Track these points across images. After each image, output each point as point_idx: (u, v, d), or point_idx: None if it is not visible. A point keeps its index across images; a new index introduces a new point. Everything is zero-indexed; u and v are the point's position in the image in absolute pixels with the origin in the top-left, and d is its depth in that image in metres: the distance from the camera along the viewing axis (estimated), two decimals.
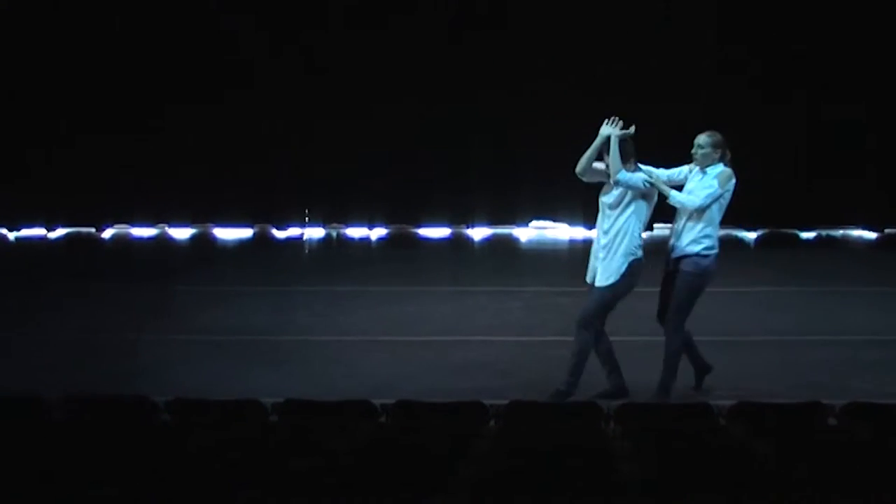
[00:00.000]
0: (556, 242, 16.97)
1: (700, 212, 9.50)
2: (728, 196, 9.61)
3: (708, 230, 9.56)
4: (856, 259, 16.14)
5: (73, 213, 17.48)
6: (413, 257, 16.29)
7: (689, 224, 9.54)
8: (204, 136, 17.05)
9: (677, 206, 9.56)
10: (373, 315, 12.64)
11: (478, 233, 17.47)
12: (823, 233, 17.20)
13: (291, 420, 7.96)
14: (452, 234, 17.48)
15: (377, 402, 8.21)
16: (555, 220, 17.24)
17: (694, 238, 9.53)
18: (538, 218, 17.44)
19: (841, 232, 17.25)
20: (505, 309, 12.86)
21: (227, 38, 16.96)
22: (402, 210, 17.49)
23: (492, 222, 17.49)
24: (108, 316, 12.50)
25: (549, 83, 16.72)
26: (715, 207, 9.55)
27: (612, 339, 9.79)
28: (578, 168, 9.62)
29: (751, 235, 17.14)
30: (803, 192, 16.76)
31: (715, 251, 9.59)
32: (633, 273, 9.53)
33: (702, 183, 9.55)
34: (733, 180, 9.59)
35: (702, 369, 9.89)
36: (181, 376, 10.30)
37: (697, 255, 9.52)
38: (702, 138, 9.60)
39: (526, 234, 17.44)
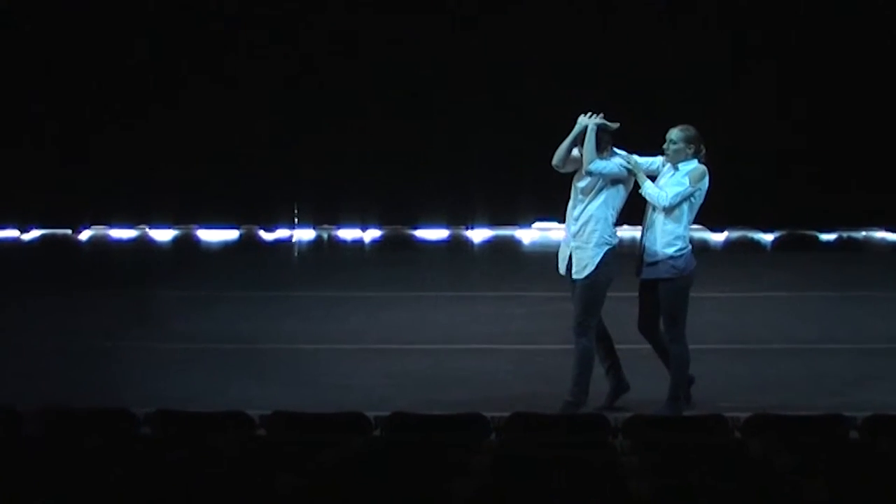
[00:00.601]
0: (560, 245, 16.96)
1: (669, 210, 9.48)
2: (701, 195, 9.54)
3: (679, 230, 9.52)
4: (879, 262, 16.15)
5: (48, 213, 17.48)
6: (409, 260, 16.29)
7: (659, 223, 9.51)
8: (187, 131, 17.06)
9: (647, 198, 9.54)
10: (366, 322, 12.65)
11: (477, 234, 17.48)
12: (844, 235, 17.21)
13: (279, 433, 7.95)
14: (451, 235, 17.49)
15: (371, 414, 8.21)
16: (559, 221, 17.21)
17: (667, 241, 9.50)
18: (541, 219, 17.45)
19: (863, 234, 17.27)
20: (506, 315, 12.87)
21: (214, 32, 16.98)
22: (397, 210, 17.50)
23: (492, 223, 17.50)
24: (85, 323, 12.51)
25: (553, 76, 16.74)
26: (685, 206, 9.51)
27: (618, 346, 9.82)
28: (555, 160, 9.65)
29: (767, 237, 17.16)
30: (823, 192, 16.77)
31: (688, 248, 9.56)
32: (609, 262, 9.54)
33: (672, 180, 9.51)
34: (706, 179, 9.52)
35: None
36: (162, 387, 10.30)
37: (671, 257, 9.50)
38: (674, 133, 9.55)
39: (529, 235, 17.45)
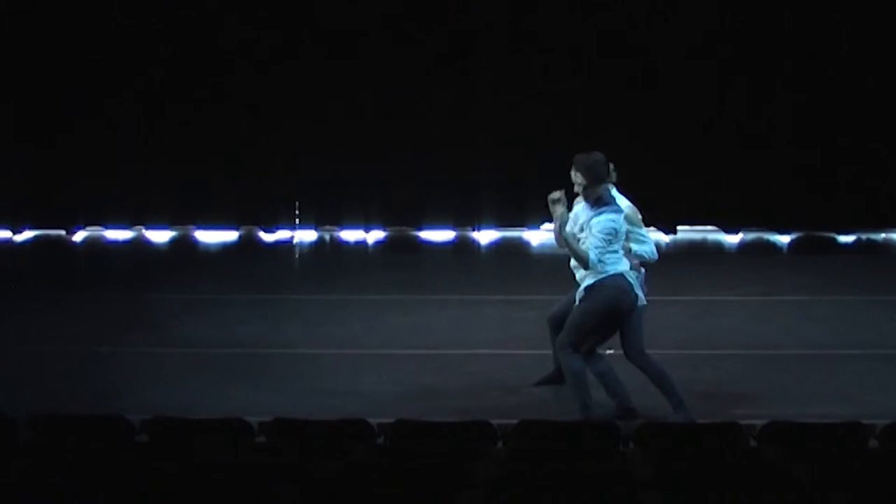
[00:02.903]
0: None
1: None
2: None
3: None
4: None
5: (42, 213, 17.49)
6: (413, 263, 16.30)
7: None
8: (185, 129, 17.06)
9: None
10: (369, 326, 12.65)
11: (484, 235, 17.48)
12: (863, 236, 17.20)
13: (280, 441, 7.97)
14: (457, 237, 17.49)
15: (374, 421, 8.22)
16: None
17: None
18: (550, 220, 17.42)
19: (883, 236, 17.26)
20: (515, 319, 12.86)
21: (213, 31, 17.00)
22: (401, 211, 17.49)
23: (500, 224, 17.49)
24: (80, 327, 12.52)
25: (558, 74, 16.75)
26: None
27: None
28: (573, 262, 9.73)
29: (784, 239, 17.14)
30: (841, 192, 16.75)
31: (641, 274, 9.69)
32: (607, 286, 9.53)
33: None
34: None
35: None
36: (159, 393, 10.32)
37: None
38: (572, 173, 9.61)
39: (537, 236, 17.44)
